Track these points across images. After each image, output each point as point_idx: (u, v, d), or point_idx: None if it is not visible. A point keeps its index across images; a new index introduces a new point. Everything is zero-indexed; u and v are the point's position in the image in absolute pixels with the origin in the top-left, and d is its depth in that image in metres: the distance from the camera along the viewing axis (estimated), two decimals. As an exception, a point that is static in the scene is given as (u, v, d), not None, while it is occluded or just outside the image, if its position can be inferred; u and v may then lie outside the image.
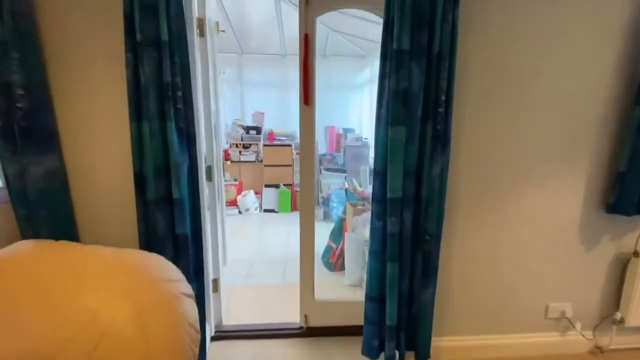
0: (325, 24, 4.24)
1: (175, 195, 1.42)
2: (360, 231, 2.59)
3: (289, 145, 4.92)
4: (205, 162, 1.87)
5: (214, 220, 2.03)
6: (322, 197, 4.61)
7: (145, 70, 1.35)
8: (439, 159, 1.51)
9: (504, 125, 1.67)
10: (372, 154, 4.61)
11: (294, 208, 4.79)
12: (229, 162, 4.72)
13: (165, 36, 1.34)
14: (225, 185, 4.79)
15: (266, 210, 4.80)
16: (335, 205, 4.42)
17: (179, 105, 1.41)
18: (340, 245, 2.91)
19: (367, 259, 1.66)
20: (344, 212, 3.04)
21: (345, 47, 4.91)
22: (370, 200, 1.63)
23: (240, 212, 4.68)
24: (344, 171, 4.68)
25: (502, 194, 1.73)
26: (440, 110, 1.47)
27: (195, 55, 1.69)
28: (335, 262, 2.93)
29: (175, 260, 1.49)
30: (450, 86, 1.47)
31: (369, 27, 4.19)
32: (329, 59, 5.24)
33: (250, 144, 4.99)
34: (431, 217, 1.56)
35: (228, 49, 5.06)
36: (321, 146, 5.25)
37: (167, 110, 1.38)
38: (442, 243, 1.63)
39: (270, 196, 4.83)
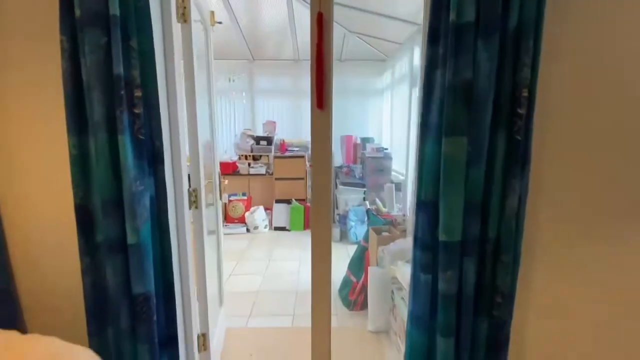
0: (342, 25, 3.84)
1: (131, 239, 0.98)
2: (387, 265, 2.09)
3: (302, 157, 4.50)
4: (190, 186, 1.44)
5: (201, 255, 1.59)
6: (338, 215, 4.14)
7: (88, 60, 0.93)
8: (517, 184, 1.02)
9: (608, 135, 1.15)
10: (394, 166, 4.11)
11: (307, 226, 4.35)
12: (226, 182, 4.21)
13: (115, 9, 0.92)
14: (233, 200, 4.39)
15: (277, 228, 4.37)
16: (353, 224, 3.94)
17: (138, 110, 0.98)
18: (362, 280, 2.41)
19: (406, 327, 1.17)
20: (366, 238, 2.55)
21: (363, 50, 4.50)
22: (412, 242, 1.15)
23: (248, 230, 4.28)
24: (363, 185, 4.20)
25: (603, 237, 1.19)
26: (520, 111, 0.98)
27: (175, 46, 1.27)
28: (355, 299, 2.43)
29: (134, 330, 1.05)
30: (535, 77, 0.99)
31: (390, 26, 3.76)
32: (345, 64, 4.85)
33: (261, 156, 4.62)
34: (505, 270, 1.06)
35: (239, 56, 4.74)
36: (337, 157, 4.81)
37: (119, 116, 0.95)
38: (515, 306, 1.12)
39: (281, 212, 4.41)
